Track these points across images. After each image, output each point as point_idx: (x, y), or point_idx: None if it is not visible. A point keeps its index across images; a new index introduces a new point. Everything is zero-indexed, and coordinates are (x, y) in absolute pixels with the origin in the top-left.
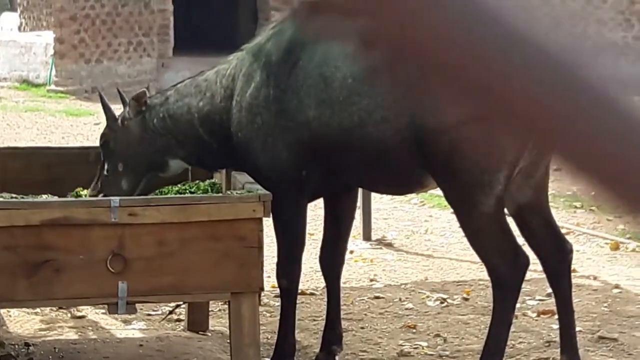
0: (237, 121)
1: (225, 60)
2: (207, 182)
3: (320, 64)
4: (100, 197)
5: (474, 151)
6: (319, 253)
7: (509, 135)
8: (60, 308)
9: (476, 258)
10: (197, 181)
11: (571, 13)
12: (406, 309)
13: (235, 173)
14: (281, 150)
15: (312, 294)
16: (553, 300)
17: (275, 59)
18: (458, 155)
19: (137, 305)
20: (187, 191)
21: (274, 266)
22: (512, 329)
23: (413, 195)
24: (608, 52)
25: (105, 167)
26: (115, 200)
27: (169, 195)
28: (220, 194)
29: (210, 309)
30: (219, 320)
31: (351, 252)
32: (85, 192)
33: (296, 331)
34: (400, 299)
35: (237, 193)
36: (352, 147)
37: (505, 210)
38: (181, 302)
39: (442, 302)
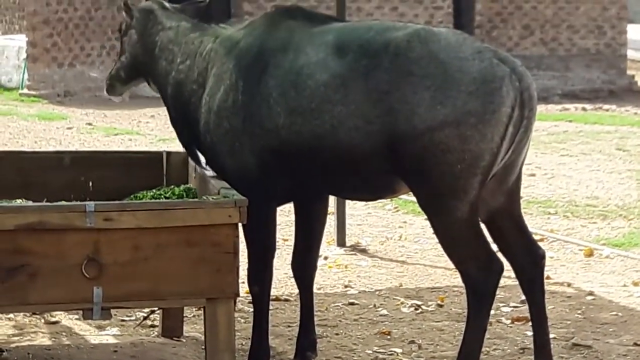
0: (204, 122)
1: (206, 33)
2: (182, 187)
3: (291, 71)
4: (75, 202)
5: (447, 157)
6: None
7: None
8: (34, 313)
9: (450, 264)
10: (172, 186)
11: (543, 19)
12: (381, 315)
13: (211, 178)
14: (249, 156)
15: (286, 300)
16: (527, 307)
17: (246, 63)
18: (432, 161)
19: (111, 310)
20: (162, 196)
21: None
22: (487, 335)
23: (387, 201)
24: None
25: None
26: (90, 205)
27: (144, 201)
28: (195, 199)
29: (184, 315)
30: (193, 326)
31: (325, 258)
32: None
33: (270, 337)
34: (374, 306)
35: (212, 198)
36: (322, 155)
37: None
38: (156, 308)
39: (416, 309)
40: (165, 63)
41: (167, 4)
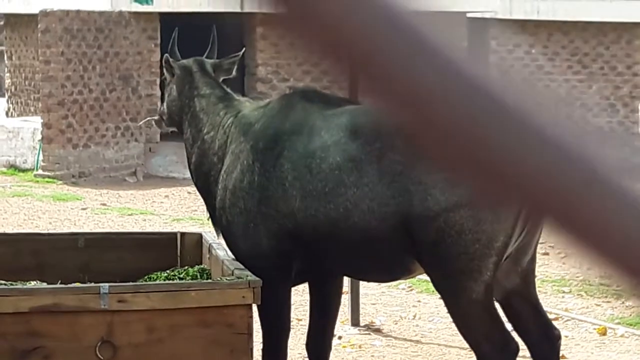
0: (220, 199)
1: (231, 105)
2: (196, 267)
3: (305, 154)
4: (89, 284)
5: (462, 238)
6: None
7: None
8: None
9: (465, 344)
10: (186, 267)
11: (557, 98)
12: None
13: (225, 259)
14: (262, 237)
15: None
16: None
17: (262, 145)
18: (446, 242)
19: None
20: (176, 277)
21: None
22: None
23: (401, 280)
24: (593, 137)
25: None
26: (104, 286)
27: (158, 282)
28: (209, 280)
29: None
30: None
31: (339, 337)
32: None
33: None
34: None
35: (226, 279)
36: (337, 237)
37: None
38: None
39: None
40: (195, 131)
41: (206, 64)
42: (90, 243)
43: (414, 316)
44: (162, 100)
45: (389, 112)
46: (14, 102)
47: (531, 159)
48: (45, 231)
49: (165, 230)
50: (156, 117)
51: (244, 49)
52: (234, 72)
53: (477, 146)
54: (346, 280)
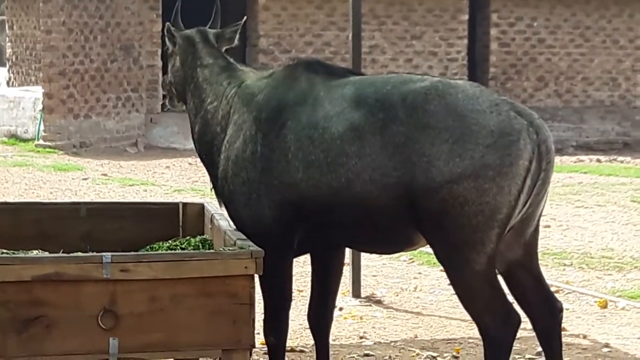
0: (222, 169)
1: (234, 75)
2: (199, 238)
3: (308, 125)
4: (91, 254)
5: (465, 209)
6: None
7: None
8: None
9: (466, 316)
10: (188, 237)
11: (557, 71)
12: None
13: (227, 229)
14: (265, 208)
15: (301, 351)
16: (543, 359)
17: (265, 116)
18: (450, 213)
19: None
20: (179, 247)
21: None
22: None
23: (403, 252)
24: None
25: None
26: (107, 256)
27: (160, 252)
28: (212, 251)
29: None
30: None
31: (340, 309)
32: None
33: None
34: (390, 357)
35: (229, 249)
36: (339, 208)
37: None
38: (172, 359)
39: None
40: (198, 101)
41: (209, 34)
42: (92, 213)
43: (415, 288)
44: (165, 72)
45: None
46: (15, 71)
47: None
48: (47, 200)
49: (166, 200)
50: (166, 99)
51: (245, 17)
52: (236, 41)
53: None
54: (347, 252)
